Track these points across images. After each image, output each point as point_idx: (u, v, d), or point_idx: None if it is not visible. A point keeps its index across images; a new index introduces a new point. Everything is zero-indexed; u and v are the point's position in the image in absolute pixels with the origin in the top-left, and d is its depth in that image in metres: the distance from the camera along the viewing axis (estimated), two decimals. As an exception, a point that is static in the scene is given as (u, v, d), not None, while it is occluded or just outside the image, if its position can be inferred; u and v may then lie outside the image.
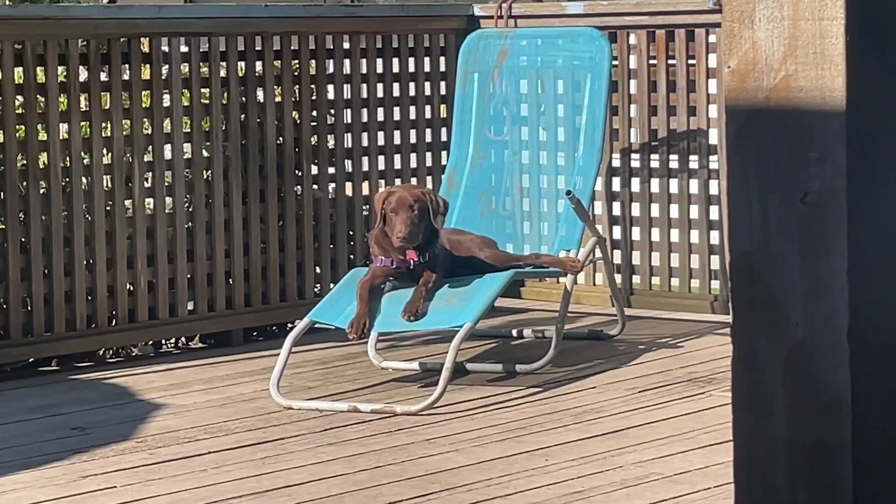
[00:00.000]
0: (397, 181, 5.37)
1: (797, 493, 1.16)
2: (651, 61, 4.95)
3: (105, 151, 4.49)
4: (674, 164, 5.18)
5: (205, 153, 4.68)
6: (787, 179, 1.14)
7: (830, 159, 1.10)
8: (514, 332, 4.67)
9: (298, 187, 5.04)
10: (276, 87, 4.96)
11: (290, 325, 4.59)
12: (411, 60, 5.46)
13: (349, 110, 5.29)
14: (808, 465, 1.18)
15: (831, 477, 1.18)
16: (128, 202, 4.49)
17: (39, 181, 4.43)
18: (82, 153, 4.50)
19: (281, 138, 4.98)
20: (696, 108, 4.87)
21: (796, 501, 1.17)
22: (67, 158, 4.49)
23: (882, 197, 1.16)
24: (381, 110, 5.37)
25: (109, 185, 4.43)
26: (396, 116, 5.34)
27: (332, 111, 5.38)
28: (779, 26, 1.16)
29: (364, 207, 5.38)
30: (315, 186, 5.19)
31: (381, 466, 3.41)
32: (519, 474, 3.28)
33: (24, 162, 4.29)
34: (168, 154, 4.54)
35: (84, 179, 4.52)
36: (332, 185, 5.32)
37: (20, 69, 4.33)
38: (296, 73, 5.16)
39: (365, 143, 5.31)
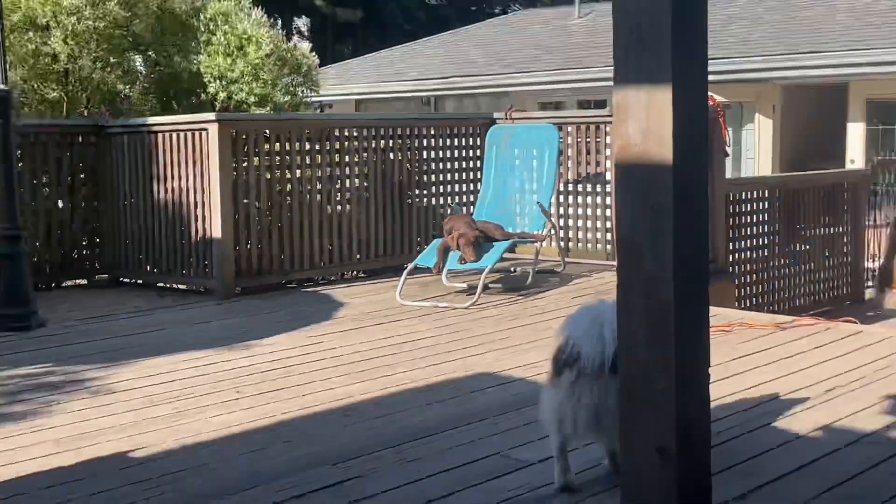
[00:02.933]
0: (456, 198, 6.84)
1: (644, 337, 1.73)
2: (578, 139, 6.36)
3: (318, 182, 6.00)
4: (588, 189, 6.30)
5: (364, 183, 6.36)
6: (643, 198, 1.72)
7: (664, 190, 1.66)
8: (512, 270, 6.10)
9: (409, 201, 6.65)
10: (398, 151, 6.59)
11: (405, 266, 5.57)
12: (463, 139, 6.98)
13: (434, 163, 6.86)
14: (653, 327, 1.70)
15: (664, 323, 1.65)
16: (328, 207, 6.18)
17: (290, 195, 5.98)
18: (309, 183, 6.00)
19: (401, 176, 6.63)
20: (599, 162, 6.20)
21: (640, 336, 1.74)
22: (304, 185, 6.08)
23: (692, 208, 1.74)
24: (449, 164, 6.97)
25: (319, 197, 6.07)
26: (455, 166, 6.95)
27: (426, 163, 6.82)
28: (641, 125, 1.71)
29: (442, 210, 6.77)
30: (417, 200, 6.62)
31: (451, 332, 4.67)
32: (518, 335, 4.55)
33: (289, 187, 5.99)
34: (347, 183, 6.31)
35: (309, 195, 6.02)
36: (425, 200, 6.75)
37: (277, 144, 5.86)
38: (407, 146, 6.67)
39: (441, 178, 6.88)
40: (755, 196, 6.19)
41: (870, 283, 6.87)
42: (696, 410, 1.84)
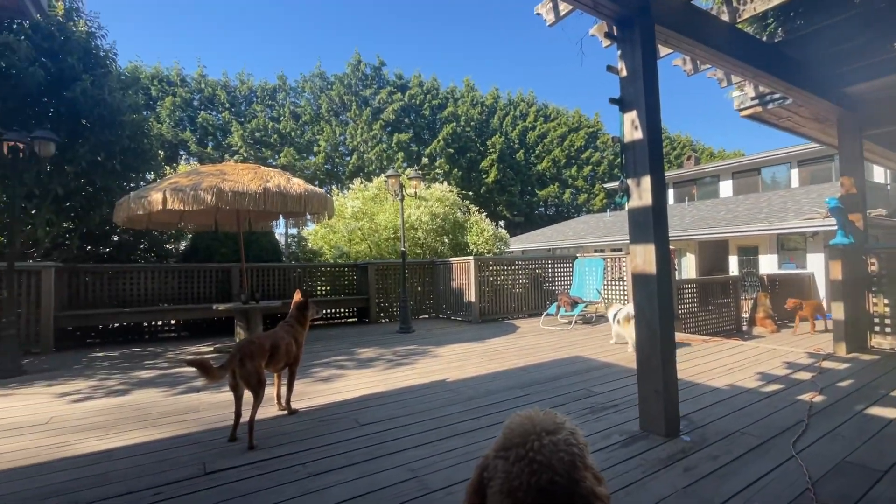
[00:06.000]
0: (561, 286, 8.65)
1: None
2: (612, 263, 7.98)
3: (507, 280, 8.11)
4: (617, 280, 7.85)
5: (525, 280, 8.42)
6: (645, 288, 2.30)
7: (652, 285, 2.23)
8: (586, 315, 7.65)
9: (543, 287, 8.56)
10: (539, 268, 8.50)
11: (542, 313, 7.67)
12: (564, 263, 8.74)
13: (552, 273, 8.67)
14: (650, 339, 2.12)
15: (654, 338, 2.05)
16: (514, 289, 8.10)
17: (499, 285, 8.21)
18: (506, 280, 8.09)
19: (540, 277, 8.45)
20: (621, 274, 7.83)
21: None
22: (505, 281, 8.08)
23: (664, 291, 2.24)
24: (559, 273, 8.74)
25: (510, 285, 8.14)
26: (561, 274, 8.54)
27: (549, 272, 8.66)
28: (642, 259, 2.31)
29: (556, 290, 8.50)
30: (546, 286, 8.44)
31: (561, 338, 5.79)
32: (589, 341, 5.68)
33: (499, 281, 7.99)
34: (521, 280, 8.31)
35: (506, 285, 8.11)
36: (549, 286, 8.53)
37: (493, 266, 8.03)
38: (542, 266, 8.62)
39: (555, 279, 8.73)
40: (687, 286, 6.95)
41: (744, 323, 7.73)
42: (670, 375, 2.35)
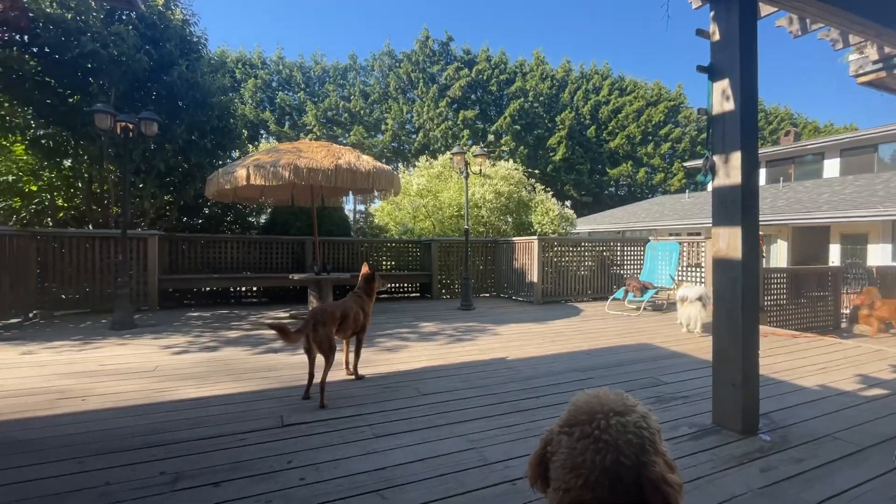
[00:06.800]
0: (634, 272, 8.45)
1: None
2: (688, 248, 7.57)
3: (572, 261, 8.00)
4: (693, 267, 7.38)
5: (591, 263, 8.12)
6: (727, 273, 2.21)
7: (737, 270, 2.21)
8: (656, 301, 7.50)
9: (610, 270, 8.38)
10: (606, 250, 8.42)
11: (608, 297, 7.62)
12: (634, 246, 8.61)
13: (622, 256, 8.50)
14: (730, 329, 2.00)
15: (736, 329, 1.98)
16: (580, 271, 8.02)
17: (562, 266, 8.08)
18: (570, 261, 7.95)
19: (607, 260, 8.23)
20: (698, 259, 7.46)
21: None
22: (569, 262, 7.88)
23: (750, 278, 2.08)
24: (628, 256, 8.60)
25: (574, 266, 7.95)
26: (631, 257, 8.52)
27: (618, 256, 8.49)
28: (725, 243, 2.23)
29: (625, 274, 8.36)
30: (613, 269, 8.31)
31: (627, 325, 5.78)
32: (658, 328, 5.55)
33: (563, 262, 7.85)
34: (587, 263, 8.15)
35: (571, 266, 8.01)
36: (616, 269, 8.38)
37: (557, 247, 7.91)
38: (609, 248, 8.49)
39: (624, 262, 8.57)
40: (776, 276, 6.68)
41: (843, 319, 7.22)
42: (750, 368, 2.23)
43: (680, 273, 7.49)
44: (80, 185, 7.19)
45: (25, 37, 6.37)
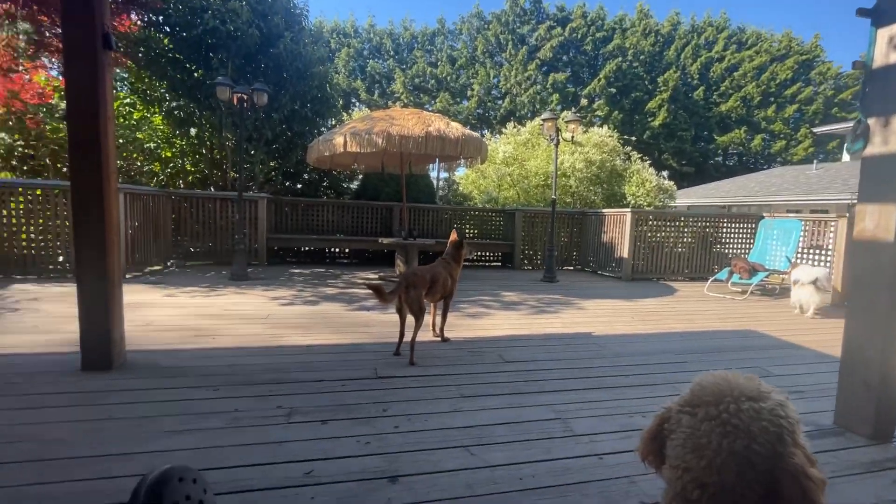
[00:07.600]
0: (742, 251, 7.80)
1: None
2: (812, 228, 6.89)
3: (669, 237, 7.45)
4: (818, 253, 6.68)
5: (691, 239, 7.75)
6: (873, 257, 2.02)
7: (888, 254, 1.96)
8: (767, 286, 6.99)
9: (713, 248, 7.80)
10: (709, 226, 7.87)
11: (708, 278, 7.20)
12: (742, 223, 7.90)
13: (727, 234, 7.94)
14: (867, 323, 1.86)
15: (877, 321, 1.86)
16: (677, 247, 7.60)
17: (657, 242, 7.59)
18: (666, 236, 7.44)
19: (710, 237, 7.71)
20: (823, 241, 6.62)
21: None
22: (665, 238, 7.51)
23: None
24: (735, 235, 7.96)
25: (670, 243, 7.53)
26: (738, 235, 7.89)
27: (722, 233, 7.87)
28: (874, 222, 2.01)
29: (729, 253, 7.82)
30: (716, 248, 7.76)
31: (728, 310, 5.25)
32: (769, 314, 5.07)
33: (657, 238, 7.41)
34: (685, 238, 7.66)
35: (666, 242, 7.56)
36: (720, 248, 7.89)
37: (653, 221, 7.56)
38: (713, 224, 7.84)
39: (731, 240, 7.94)
40: None
41: None
42: (890, 367, 2.07)
43: (799, 255, 6.92)
44: (203, 151, 8.09)
45: (160, 17, 7.13)
